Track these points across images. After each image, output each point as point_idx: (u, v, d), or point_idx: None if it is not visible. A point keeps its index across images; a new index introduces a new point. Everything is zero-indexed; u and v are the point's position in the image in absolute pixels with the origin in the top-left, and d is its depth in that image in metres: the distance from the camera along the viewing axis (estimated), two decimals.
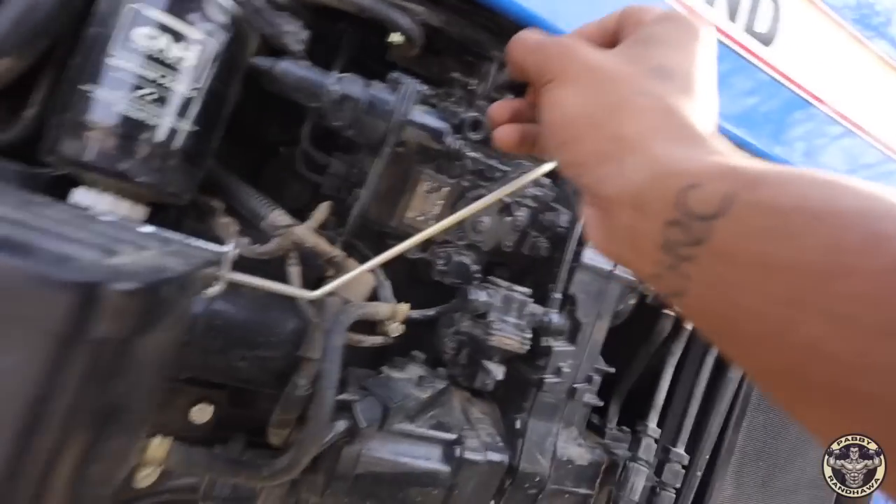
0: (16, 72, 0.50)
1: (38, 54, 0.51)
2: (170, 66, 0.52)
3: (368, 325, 0.74)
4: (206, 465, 0.58)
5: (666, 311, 0.88)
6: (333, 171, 0.75)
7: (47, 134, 0.51)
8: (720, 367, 0.89)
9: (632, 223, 0.31)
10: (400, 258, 0.89)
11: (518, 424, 0.81)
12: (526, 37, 0.43)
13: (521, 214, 0.85)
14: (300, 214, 0.98)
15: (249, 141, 0.95)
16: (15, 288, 0.24)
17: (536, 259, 0.87)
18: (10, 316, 0.24)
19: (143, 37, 0.50)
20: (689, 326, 0.88)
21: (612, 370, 0.87)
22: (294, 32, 0.60)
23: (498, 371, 0.75)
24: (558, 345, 0.81)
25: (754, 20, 0.79)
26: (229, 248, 0.58)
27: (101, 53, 0.50)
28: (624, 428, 0.97)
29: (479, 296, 0.74)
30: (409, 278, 0.93)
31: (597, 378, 0.83)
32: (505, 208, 0.81)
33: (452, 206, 0.81)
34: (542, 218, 0.84)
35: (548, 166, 0.73)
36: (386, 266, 0.84)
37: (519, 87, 0.78)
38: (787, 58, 0.80)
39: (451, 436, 0.76)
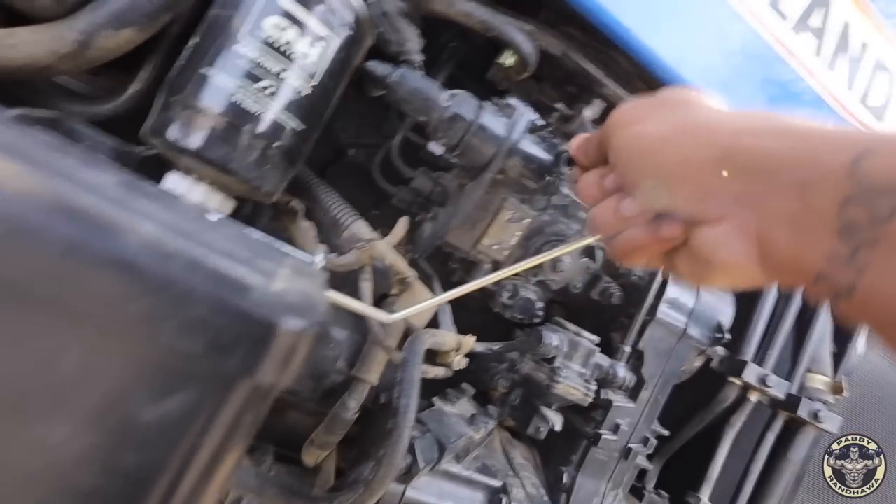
0: (133, 44, 0.47)
1: (158, 28, 0.48)
2: (292, 60, 0.49)
3: (429, 354, 0.69)
4: (257, 487, 0.53)
5: (731, 379, 0.83)
6: (416, 186, 0.71)
7: (154, 113, 0.48)
8: (782, 445, 0.84)
9: (799, 207, 0.26)
10: (448, 278, 0.86)
11: (565, 479, 0.76)
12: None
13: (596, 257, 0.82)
14: None
15: (321, 138, 0.92)
16: (196, 316, 0.20)
17: (602, 305, 0.82)
18: (190, 350, 0.20)
19: (273, 26, 0.47)
20: (753, 399, 0.83)
21: (668, 433, 0.82)
22: (415, 41, 0.57)
23: (557, 421, 0.71)
24: (619, 400, 0.76)
25: (869, 92, 0.76)
26: (318, 260, 0.55)
27: (227, 38, 0.46)
28: (661, 492, 0.92)
29: (552, 339, 0.69)
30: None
31: (653, 441, 0.79)
32: (588, 250, 0.77)
33: (528, 238, 0.77)
34: (618, 264, 0.80)
35: None
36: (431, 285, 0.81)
37: None
38: None
39: (497, 482, 0.71)
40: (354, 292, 0.65)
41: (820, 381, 0.84)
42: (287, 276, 0.29)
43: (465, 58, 0.78)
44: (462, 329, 0.79)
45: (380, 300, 0.74)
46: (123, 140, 0.52)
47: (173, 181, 0.49)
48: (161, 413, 0.20)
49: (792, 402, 0.80)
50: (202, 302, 0.20)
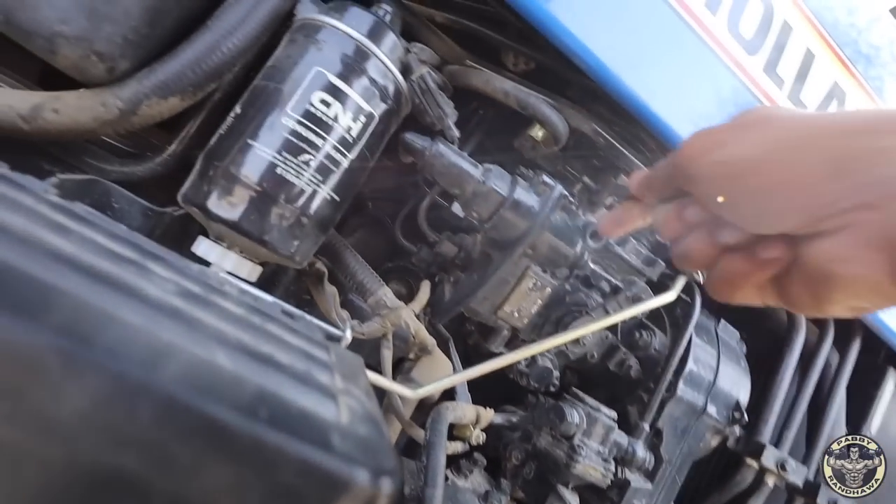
0: (177, 111, 0.47)
1: (203, 96, 0.48)
2: (333, 134, 0.49)
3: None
4: None
5: (749, 460, 0.81)
6: (441, 251, 0.71)
7: (192, 179, 0.47)
8: None
9: None
10: (464, 339, 0.84)
11: None
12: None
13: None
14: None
15: None
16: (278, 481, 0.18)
17: (618, 375, 0.81)
18: None
19: (319, 101, 0.47)
20: (770, 483, 0.81)
21: None
22: (451, 114, 0.58)
23: (574, 501, 0.68)
24: (636, 480, 0.73)
25: None
26: (346, 335, 0.53)
27: (273, 110, 0.46)
28: None
29: (574, 417, 0.67)
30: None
31: None
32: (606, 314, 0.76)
33: (549, 307, 0.76)
34: (635, 335, 0.79)
35: (669, 296, 0.69)
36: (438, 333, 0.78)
37: None
38: None
39: None
40: (371, 355, 0.64)
41: None
42: (345, 391, 0.27)
43: (491, 124, 0.79)
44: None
45: (397, 364, 0.72)
46: (155, 199, 0.51)
47: (205, 249, 0.48)
48: None
49: (811, 490, 0.78)
50: (279, 459, 0.19)
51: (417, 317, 0.72)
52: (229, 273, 0.48)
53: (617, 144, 0.68)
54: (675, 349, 0.76)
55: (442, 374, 0.70)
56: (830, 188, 0.28)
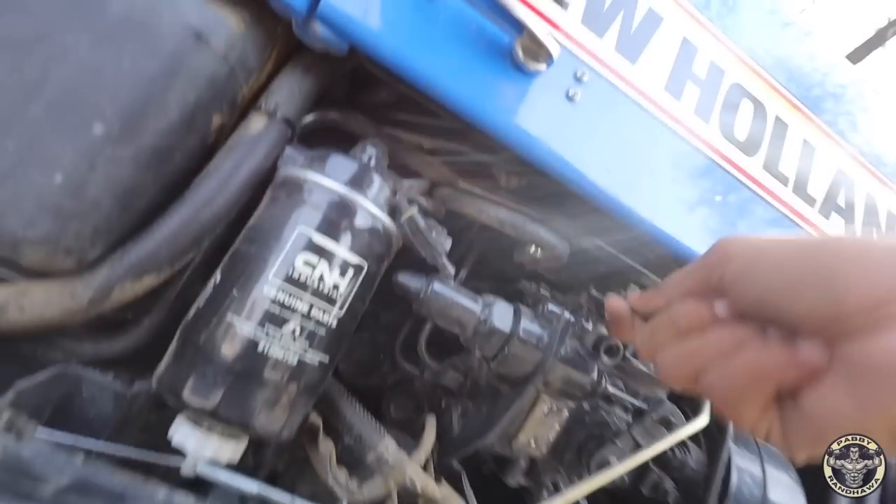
0: (152, 287, 0.44)
1: (179, 269, 0.46)
2: (321, 294, 0.45)
3: None
4: None
5: None
6: (446, 383, 0.66)
7: (167, 362, 0.43)
8: None
9: None
10: (477, 468, 0.76)
11: None
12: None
13: None
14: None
15: None
16: None
17: (656, 501, 0.72)
18: None
19: (304, 264, 0.45)
20: None
21: None
22: (444, 246, 0.55)
23: None
24: None
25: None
26: None
27: (254, 279, 0.43)
28: None
29: None
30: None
31: None
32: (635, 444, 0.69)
33: (568, 430, 0.70)
34: (667, 454, 0.72)
35: (701, 421, 0.63)
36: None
37: None
38: None
39: None
40: None
41: None
42: None
43: (489, 241, 0.77)
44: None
45: None
46: (131, 371, 0.47)
47: (182, 435, 0.43)
48: None
49: None
50: None
51: (424, 464, 0.65)
52: (209, 459, 0.43)
53: (620, 255, 0.65)
54: (715, 467, 0.68)
55: None
56: None
